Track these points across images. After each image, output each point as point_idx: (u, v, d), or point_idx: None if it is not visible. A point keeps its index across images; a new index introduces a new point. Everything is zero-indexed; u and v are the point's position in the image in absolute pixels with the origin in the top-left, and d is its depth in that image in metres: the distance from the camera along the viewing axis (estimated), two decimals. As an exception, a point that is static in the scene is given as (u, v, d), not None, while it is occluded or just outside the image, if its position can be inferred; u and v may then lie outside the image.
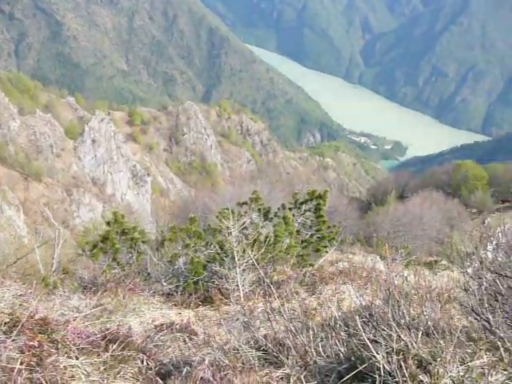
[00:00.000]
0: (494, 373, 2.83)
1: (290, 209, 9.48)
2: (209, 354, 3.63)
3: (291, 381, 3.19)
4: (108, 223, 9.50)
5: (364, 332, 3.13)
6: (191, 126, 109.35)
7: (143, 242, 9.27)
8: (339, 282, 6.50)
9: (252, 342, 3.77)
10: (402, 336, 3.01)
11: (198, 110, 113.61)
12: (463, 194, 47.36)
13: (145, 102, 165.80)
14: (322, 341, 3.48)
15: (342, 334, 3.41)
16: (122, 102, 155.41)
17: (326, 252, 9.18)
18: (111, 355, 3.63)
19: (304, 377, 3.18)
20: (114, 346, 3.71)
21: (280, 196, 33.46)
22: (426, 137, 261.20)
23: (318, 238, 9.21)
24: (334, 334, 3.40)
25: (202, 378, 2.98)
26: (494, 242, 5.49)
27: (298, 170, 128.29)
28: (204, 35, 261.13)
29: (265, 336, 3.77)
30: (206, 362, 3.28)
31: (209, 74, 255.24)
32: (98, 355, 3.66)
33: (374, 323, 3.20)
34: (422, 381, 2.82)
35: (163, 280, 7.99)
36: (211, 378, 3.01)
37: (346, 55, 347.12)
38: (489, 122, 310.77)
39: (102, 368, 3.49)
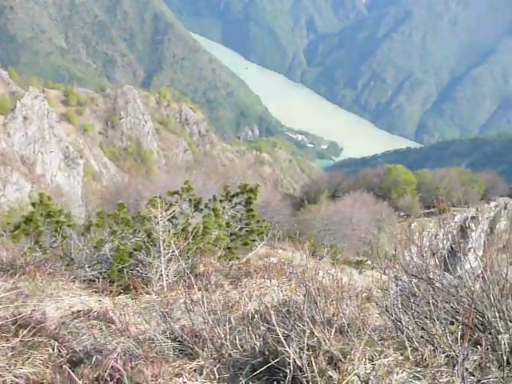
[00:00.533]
0: (399, 371, 2.92)
1: (221, 201, 9.46)
2: (122, 343, 3.57)
3: (204, 373, 3.18)
4: (33, 204, 9.15)
5: (279, 327, 3.16)
6: (129, 110, 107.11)
7: (69, 225, 8.98)
8: (264, 276, 6.54)
9: (168, 333, 3.73)
10: (316, 332, 3.06)
11: (137, 95, 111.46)
12: (393, 198, 48.74)
13: (82, 82, 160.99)
14: (239, 334, 3.50)
15: (261, 328, 3.43)
16: (59, 80, 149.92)
17: (256, 246, 9.24)
18: (21, 341, 3.49)
19: (217, 369, 3.18)
20: (25, 332, 3.58)
21: (214, 187, 33.33)
22: (361, 139, 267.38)
23: (247, 231, 9.23)
24: (250, 328, 3.41)
25: (112, 366, 2.91)
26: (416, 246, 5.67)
27: (234, 163, 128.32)
28: (148, 19, 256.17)
29: (182, 327, 3.74)
30: (119, 350, 3.21)
31: (150, 60, 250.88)
32: (7, 340, 3.51)
33: (291, 318, 3.24)
34: (331, 377, 2.88)
35: (87, 266, 7.79)
36: (121, 368, 2.95)
37: (289, 53, 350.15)
38: (421, 129, 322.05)
39: (10, 354, 3.35)
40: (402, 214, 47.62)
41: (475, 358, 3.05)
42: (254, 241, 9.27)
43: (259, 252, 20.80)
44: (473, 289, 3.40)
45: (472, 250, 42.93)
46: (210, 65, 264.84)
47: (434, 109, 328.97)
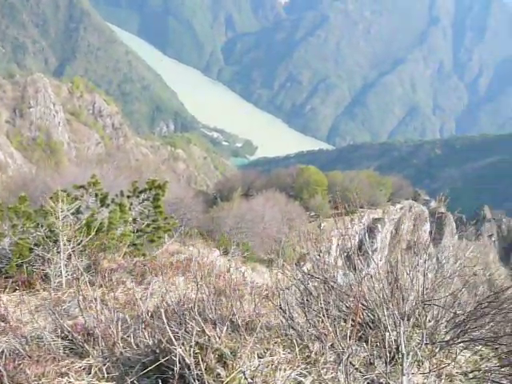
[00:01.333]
0: (286, 368, 2.98)
1: (128, 197, 9.24)
2: (7, 341, 3.40)
3: (92, 371, 3.10)
4: None
5: (171, 325, 3.14)
6: (39, 99, 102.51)
7: (-36, 217, 8.46)
8: (170, 273, 6.48)
9: (59, 331, 3.61)
10: (207, 331, 3.07)
11: (48, 84, 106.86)
12: (304, 198, 49.74)
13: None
14: (135, 332, 3.44)
15: (157, 326, 3.39)
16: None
17: (163, 243, 9.10)
18: None
19: (107, 368, 3.12)
20: None
21: (126, 182, 32.57)
22: (275, 139, 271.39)
23: (154, 228, 9.09)
24: (145, 326, 3.37)
25: (-7, 366, 2.76)
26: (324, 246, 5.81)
27: (147, 158, 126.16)
28: (63, 5, 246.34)
29: (74, 325, 3.63)
30: (3, 349, 3.06)
31: (64, 48, 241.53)
32: None
33: (185, 317, 3.23)
34: (219, 374, 2.90)
35: (-18, 261, 7.39)
36: (1, 368, 2.82)
37: (207, 49, 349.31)
38: (334, 132, 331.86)
39: None
40: (312, 213, 48.75)
41: (364, 354, 3.17)
42: (160, 238, 9.15)
43: (169, 249, 20.61)
44: (363, 287, 3.54)
45: (377, 250, 44.71)
46: (126, 57, 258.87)
47: (347, 113, 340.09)
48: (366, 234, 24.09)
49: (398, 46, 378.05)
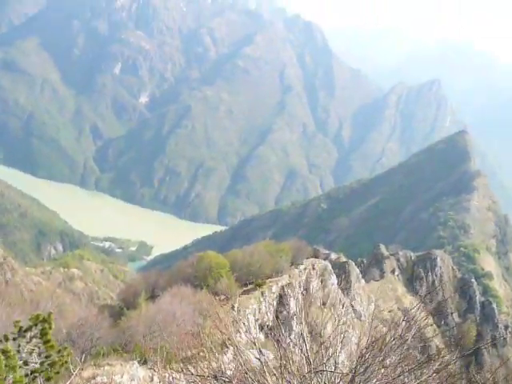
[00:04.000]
0: None
1: (14, 339, 8.35)
2: None
3: None
4: None
5: None
6: None
7: None
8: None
9: None
10: None
11: None
12: (210, 283, 48.92)
13: None
14: None
15: None
16: None
17: (62, 378, 8.24)
18: None
19: None
20: None
21: (23, 318, 30.25)
22: (168, 234, 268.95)
23: (49, 364, 8.22)
24: None
25: None
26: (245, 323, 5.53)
27: (41, 286, 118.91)
28: None
29: None
30: None
31: None
32: None
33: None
34: None
35: None
36: None
37: (79, 162, 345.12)
38: (223, 212, 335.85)
39: None
40: (222, 297, 47.89)
41: None
42: (57, 373, 8.27)
43: (84, 375, 19.08)
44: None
45: (294, 316, 44.58)
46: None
47: (230, 191, 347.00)
48: (279, 303, 23.95)
49: (262, 119, 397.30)
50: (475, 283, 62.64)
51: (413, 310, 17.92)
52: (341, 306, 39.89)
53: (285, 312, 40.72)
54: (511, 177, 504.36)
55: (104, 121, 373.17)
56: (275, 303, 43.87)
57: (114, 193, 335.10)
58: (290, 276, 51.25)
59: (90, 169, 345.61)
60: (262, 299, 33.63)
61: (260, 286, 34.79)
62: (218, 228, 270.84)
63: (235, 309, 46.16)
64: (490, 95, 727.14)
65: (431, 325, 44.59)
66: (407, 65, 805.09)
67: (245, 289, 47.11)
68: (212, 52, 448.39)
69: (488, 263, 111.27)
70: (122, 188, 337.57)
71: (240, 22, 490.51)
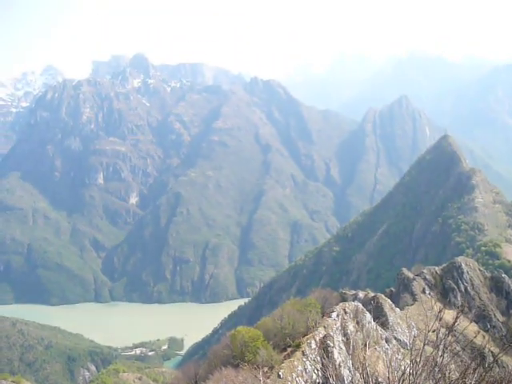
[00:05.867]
0: None
1: None
2: None
3: None
4: None
5: None
6: None
7: None
8: None
9: None
10: None
11: None
12: (249, 359, 47.89)
13: None
14: None
15: None
16: None
17: None
18: None
19: None
20: None
21: None
22: (195, 322, 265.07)
23: None
24: None
25: None
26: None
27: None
28: None
29: None
30: None
31: None
32: None
33: None
34: None
35: None
36: None
37: (89, 279, 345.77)
38: (241, 285, 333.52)
39: None
40: (265, 369, 46.74)
41: None
42: None
43: None
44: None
45: (342, 364, 43.49)
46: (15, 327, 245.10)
47: (242, 262, 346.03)
48: (323, 357, 23.42)
49: (251, 183, 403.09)
50: (507, 277, 61.63)
51: (456, 323, 17.66)
52: (384, 341, 39.04)
53: (330, 365, 39.72)
54: (503, 164, 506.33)
55: (101, 232, 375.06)
56: (319, 358, 42.91)
57: (131, 298, 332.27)
58: (324, 327, 50.34)
59: (100, 282, 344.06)
60: (304, 359, 32.91)
61: (298, 346, 34.07)
62: (241, 302, 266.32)
63: (281, 376, 45.09)
64: (457, 94, 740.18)
65: (478, 332, 43.59)
66: (370, 90, 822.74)
67: (285, 354, 46.16)
68: (185, 136, 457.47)
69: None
70: (137, 291, 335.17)
71: (203, 100, 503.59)
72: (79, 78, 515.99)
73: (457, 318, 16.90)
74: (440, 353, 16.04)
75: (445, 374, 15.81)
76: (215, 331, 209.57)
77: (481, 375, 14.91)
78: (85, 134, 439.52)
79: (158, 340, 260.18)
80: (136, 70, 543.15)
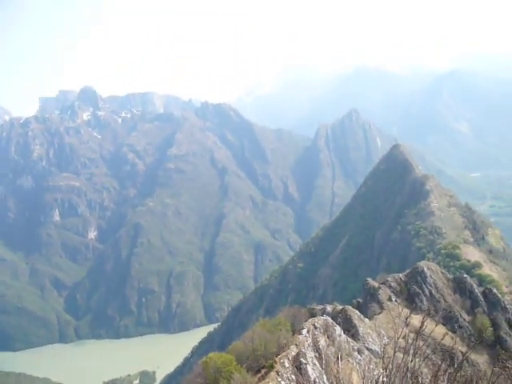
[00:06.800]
0: None
1: None
2: None
3: None
4: None
5: None
6: None
7: None
8: None
9: None
10: None
11: None
12: (223, 385, 47.28)
13: None
14: None
15: None
16: None
17: None
18: None
19: None
20: None
21: None
22: (165, 353, 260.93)
23: None
24: None
25: None
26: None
27: None
28: None
29: None
30: None
31: None
32: None
33: None
34: None
35: None
36: None
37: (52, 319, 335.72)
38: (209, 310, 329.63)
39: None
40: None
41: None
42: None
43: None
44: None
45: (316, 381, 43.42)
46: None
47: (208, 287, 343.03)
48: (297, 374, 23.38)
49: (210, 207, 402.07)
50: (468, 277, 63.03)
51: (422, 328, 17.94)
52: (356, 353, 39.26)
53: (305, 382, 39.62)
54: (454, 168, 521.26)
55: (62, 270, 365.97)
56: (294, 376, 42.74)
57: (98, 335, 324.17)
58: (296, 345, 50.23)
59: (64, 321, 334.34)
60: (279, 378, 32.76)
61: (272, 366, 33.93)
62: (211, 327, 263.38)
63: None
64: (404, 103, 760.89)
65: (446, 333, 44.29)
66: (320, 106, 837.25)
67: (259, 375, 45.85)
68: (140, 165, 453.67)
69: (471, 254, 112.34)
70: (104, 327, 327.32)
71: (155, 129, 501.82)
72: (26, 116, 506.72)
73: (423, 321, 17.21)
74: (411, 358, 16.29)
75: (417, 378, 16.05)
76: (187, 360, 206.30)
77: (452, 375, 15.20)
78: (37, 172, 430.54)
79: (129, 375, 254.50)
80: (85, 104, 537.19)
